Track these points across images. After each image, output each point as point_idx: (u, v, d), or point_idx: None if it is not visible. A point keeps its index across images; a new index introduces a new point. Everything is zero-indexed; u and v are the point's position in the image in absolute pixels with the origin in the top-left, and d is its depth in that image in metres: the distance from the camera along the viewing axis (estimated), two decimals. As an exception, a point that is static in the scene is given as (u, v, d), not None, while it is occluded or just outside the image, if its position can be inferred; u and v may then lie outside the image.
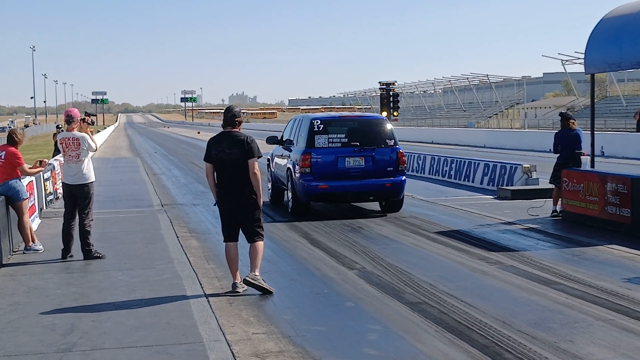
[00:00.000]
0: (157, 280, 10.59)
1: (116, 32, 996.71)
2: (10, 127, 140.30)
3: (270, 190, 19.65)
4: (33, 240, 12.97)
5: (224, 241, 10.13)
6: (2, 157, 12.70)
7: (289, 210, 17.27)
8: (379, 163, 16.59)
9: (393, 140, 16.89)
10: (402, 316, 8.68)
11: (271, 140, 19.19)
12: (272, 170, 19.67)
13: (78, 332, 8.10)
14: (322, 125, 16.77)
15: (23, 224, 12.82)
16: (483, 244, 13.08)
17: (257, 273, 9.79)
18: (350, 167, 16.55)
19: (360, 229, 14.99)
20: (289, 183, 17.33)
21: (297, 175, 16.63)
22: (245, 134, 9.95)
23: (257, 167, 9.87)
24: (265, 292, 9.71)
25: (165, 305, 9.19)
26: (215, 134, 10.41)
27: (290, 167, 17.20)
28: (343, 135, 16.73)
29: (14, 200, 12.67)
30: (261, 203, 9.99)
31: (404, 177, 16.80)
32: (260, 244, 9.92)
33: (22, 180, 12.95)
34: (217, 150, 9.85)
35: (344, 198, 17.34)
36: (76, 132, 12.30)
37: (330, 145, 16.62)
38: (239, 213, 9.88)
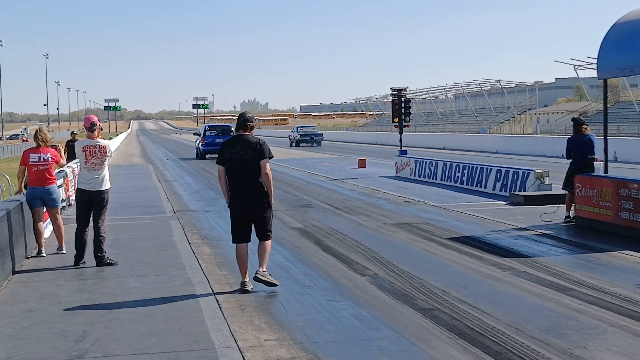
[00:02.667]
0: (169, 286, 10.59)
1: (128, 39, 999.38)
2: (23, 134, 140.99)
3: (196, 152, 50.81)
4: (41, 246, 13.12)
5: (233, 242, 10.45)
6: (49, 159, 12.96)
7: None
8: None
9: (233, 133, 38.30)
10: (415, 322, 8.65)
11: (195, 133, 58.81)
12: (197, 144, 51.68)
13: (90, 339, 8.10)
14: (207, 126, 52.77)
15: (57, 227, 13.29)
16: (496, 250, 13.04)
17: (264, 269, 10.29)
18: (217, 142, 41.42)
19: (372, 235, 14.97)
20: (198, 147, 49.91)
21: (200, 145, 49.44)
22: (257, 136, 10.35)
23: (269, 167, 10.27)
24: (272, 285, 10.25)
25: (177, 312, 9.18)
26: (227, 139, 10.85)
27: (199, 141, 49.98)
28: (216, 132, 50.15)
29: (53, 206, 13.16)
30: (272, 201, 10.38)
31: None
32: (269, 242, 10.44)
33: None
34: (230, 152, 10.22)
35: (213, 153, 40.31)
36: (100, 140, 12.35)
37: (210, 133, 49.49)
38: (253, 213, 10.27)
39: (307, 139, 71.30)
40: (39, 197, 12.99)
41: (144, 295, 10.11)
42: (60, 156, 13.45)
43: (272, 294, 10.15)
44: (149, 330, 8.41)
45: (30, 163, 13.01)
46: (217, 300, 9.73)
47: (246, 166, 10.12)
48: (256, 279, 10.17)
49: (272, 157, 10.37)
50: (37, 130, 13.48)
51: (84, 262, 12.19)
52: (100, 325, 8.65)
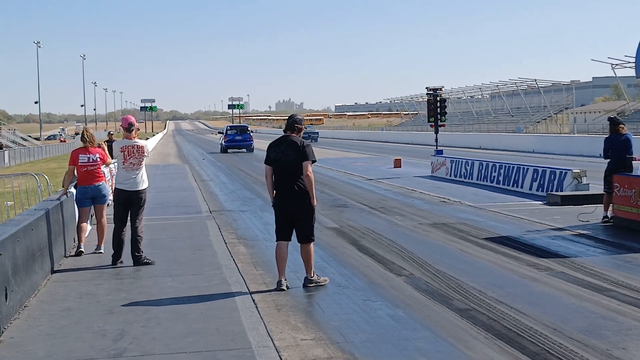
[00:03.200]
0: (205, 286, 10.64)
1: (165, 40, 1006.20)
2: (61, 134, 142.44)
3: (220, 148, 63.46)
4: (81, 241, 13.36)
5: (276, 240, 10.58)
6: (97, 159, 13.21)
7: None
8: (246, 137, 61.91)
9: (250, 132, 64.26)
10: (451, 323, 8.62)
11: (219, 132, 74.59)
12: (220, 141, 65.18)
13: (128, 338, 8.16)
14: (228, 127, 67.12)
15: (102, 226, 13.48)
16: (532, 250, 12.95)
17: (311, 275, 10.58)
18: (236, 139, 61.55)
19: (407, 235, 14.94)
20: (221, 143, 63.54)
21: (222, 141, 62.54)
22: (302, 139, 10.58)
23: (310, 169, 10.39)
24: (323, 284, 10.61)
25: (213, 311, 9.22)
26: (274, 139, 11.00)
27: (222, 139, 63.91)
28: (235, 131, 63.93)
29: (101, 202, 13.47)
30: (315, 203, 10.46)
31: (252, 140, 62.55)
32: (311, 246, 10.52)
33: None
34: (275, 152, 10.50)
35: (233, 147, 61.72)
36: (138, 140, 12.47)
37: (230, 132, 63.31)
38: (294, 213, 10.43)
39: (306, 137, 77.88)
40: (89, 196, 13.33)
41: (180, 294, 10.17)
42: (107, 155, 13.64)
43: (308, 293, 10.19)
44: (186, 329, 8.45)
45: (79, 164, 13.28)
46: (253, 300, 9.76)
47: (289, 167, 10.33)
48: (306, 287, 10.48)
49: (315, 160, 10.54)
50: (83, 131, 13.70)
51: (121, 262, 12.29)
52: (138, 324, 8.72)
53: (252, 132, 67.42)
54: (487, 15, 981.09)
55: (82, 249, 13.29)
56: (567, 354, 7.40)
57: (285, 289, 10.31)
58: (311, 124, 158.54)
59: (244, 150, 61.86)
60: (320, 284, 10.57)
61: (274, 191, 10.51)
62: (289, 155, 10.34)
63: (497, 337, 8.00)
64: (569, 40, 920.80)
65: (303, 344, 7.90)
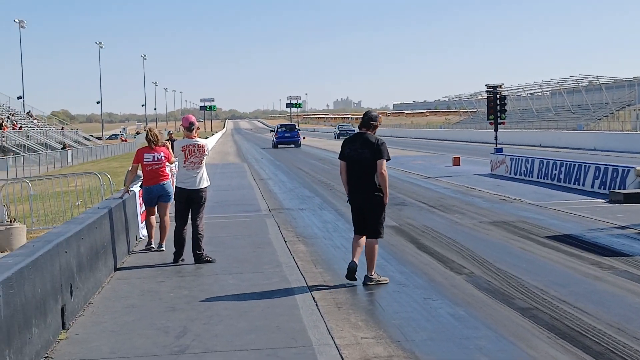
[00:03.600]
0: (266, 284, 10.71)
1: (224, 40, 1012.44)
2: (122, 134, 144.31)
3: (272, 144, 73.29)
4: (151, 238, 13.63)
5: (354, 232, 10.85)
6: (162, 158, 13.41)
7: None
8: (294, 134, 71.05)
9: (297, 130, 75.28)
10: (513, 322, 8.55)
11: (271, 130, 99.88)
12: (272, 138, 75.93)
13: (190, 335, 8.25)
14: (279, 125, 77.21)
15: (165, 224, 13.61)
16: (595, 249, 12.78)
17: (372, 273, 10.60)
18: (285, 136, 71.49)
19: (467, 234, 14.85)
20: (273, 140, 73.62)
21: (274, 138, 72.54)
22: (377, 136, 10.60)
23: (384, 167, 10.47)
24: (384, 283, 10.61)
25: (274, 309, 9.28)
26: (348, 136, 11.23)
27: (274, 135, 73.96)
28: (284, 129, 72.96)
29: (165, 200, 13.57)
30: (387, 201, 10.58)
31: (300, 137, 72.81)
32: (376, 244, 10.65)
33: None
34: (349, 149, 10.62)
35: (283, 143, 70.45)
36: (199, 139, 12.58)
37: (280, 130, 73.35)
38: (365, 208, 10.58)
39: (344, 134, 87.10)
40: (155, 195, 13.47)
41: (241, 292, 10.25)
42: (171, 154, 13.80)
43: (368, 291, 10.19)
44: (248, 326, 8.51)
45: (144, 162, 13.44)
46: (313, 298, 9.80)
47: (362, 164, 10.44)
48: (366, 285, 10.49)
49: (389, 159, 10.63)
50: (147, 131, 13.86)
51: (182, 260, 12.43)
52: (200, 321, 8.81)
53: (298, 130, 76.96)
54: (548, 13, 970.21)
55: (153, 245, 13.57)
56: (631, 354, 7.29)
57: (352, 268, 10.49)
58: (348, 122, 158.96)
59: (292, 145, 70.01)
60: (381, 282, 10.56)
61: (348, 187, 10.68)
62: (363, 153, 10.42)
63: (560, 337, 7.92)
64: (631, 35, 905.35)
65: (363, 342, 7.91)
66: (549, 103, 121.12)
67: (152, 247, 13.52)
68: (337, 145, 74.08)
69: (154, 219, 13.73)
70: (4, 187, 18.16)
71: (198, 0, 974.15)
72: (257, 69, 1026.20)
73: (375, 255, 10.62)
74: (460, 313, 8.98)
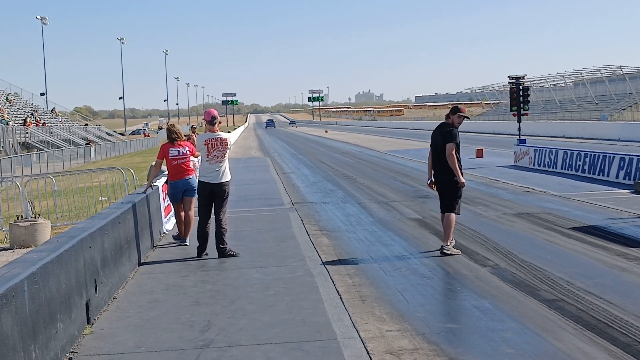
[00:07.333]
0: (290, 277, 10.69)
1: (246, 35, 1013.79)
2: (144, 129, 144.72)
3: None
4: (181, 234, 13.67)
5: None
6: (187, 153, 13.44)
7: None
8: (271, 123, 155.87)
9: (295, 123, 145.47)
10: (539, 314, 8.49)
11: (290, 122, 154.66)
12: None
13: (215, 329, 8.25)
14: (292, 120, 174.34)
15: (189, 218, 13.61)
16: (621, 240, 12.68)
17: (447, 243, 12.02)
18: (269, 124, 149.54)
19: (491, 226, 14.78)
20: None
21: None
22: (451, 126, 12.06)
23: (450, 150, 11.83)
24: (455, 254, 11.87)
25: (298, 302, 9.26)
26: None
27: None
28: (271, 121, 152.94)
29: (190, 195, 13.58)
30: (462, 181, 11.96)
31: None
32: (452, 216, 12.06)
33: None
34: (432, 136, 12.27)
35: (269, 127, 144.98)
36: (221, 133, 12.57)
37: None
38: (441, 187, 12.13)
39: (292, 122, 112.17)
40: (181, 190, 13.48)
41: (265, 285, 10.24)
42: (194, 148, 13.80)
43: (392, 284, 10.14)
44: (272, 320, 8.50)
45: (170, 157, 13.45)
46: (337, 291, 9.77)
47: (438, 148, 12.07)
48: (442, 252, 11.88)
49: (458, 143, 11.99)
50: (169, 127, 13.84)
51: (206, 254, 12.44)
52: (224, 315, 8.81)
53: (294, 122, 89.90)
54: (571, 3, 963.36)
55: (187, 242, 13.62)
56: (659, 345, 7.22)
57: (447, 252, 11.84)
58: (391, 115, 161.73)
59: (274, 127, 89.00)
60: (453, 254, 11.80)
61: (432, 170, 12.26)
62: (438, 140, 12.05)
63: (587, 328, 7.85)
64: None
65: (388, 335, 7.88)
66: (572, 94, 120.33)
67: (186, 244, 13.52)
68: (359, 139, 74.04)
69: (183, 215, 13.71)
70: (28, 183, 18.25)
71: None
72: (279, 63, 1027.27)
73: (452, 227, 12.01)
74: (485, 305, 8.92)
